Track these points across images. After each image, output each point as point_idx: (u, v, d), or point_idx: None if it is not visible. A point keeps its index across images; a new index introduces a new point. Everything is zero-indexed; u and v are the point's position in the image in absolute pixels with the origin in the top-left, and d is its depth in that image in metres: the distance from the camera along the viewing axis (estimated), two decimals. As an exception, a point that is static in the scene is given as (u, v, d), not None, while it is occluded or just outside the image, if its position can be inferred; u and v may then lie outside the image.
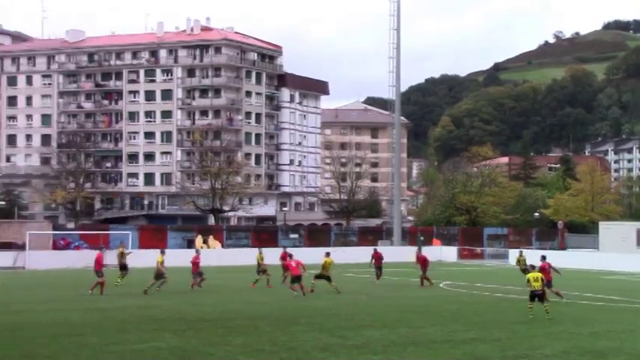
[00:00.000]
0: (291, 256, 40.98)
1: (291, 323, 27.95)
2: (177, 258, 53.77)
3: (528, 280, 30.31)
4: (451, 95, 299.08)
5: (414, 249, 78.88)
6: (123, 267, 47.20)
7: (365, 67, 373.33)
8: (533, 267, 32.12)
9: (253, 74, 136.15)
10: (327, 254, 41.12)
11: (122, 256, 48.13)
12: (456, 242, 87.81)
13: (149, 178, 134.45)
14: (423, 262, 45.22)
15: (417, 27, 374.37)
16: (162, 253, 41.41)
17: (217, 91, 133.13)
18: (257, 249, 47.55)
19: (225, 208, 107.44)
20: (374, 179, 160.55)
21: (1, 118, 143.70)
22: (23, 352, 21.70)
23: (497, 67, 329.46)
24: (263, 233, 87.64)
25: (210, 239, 79.65)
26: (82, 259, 66.31)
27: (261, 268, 43.82)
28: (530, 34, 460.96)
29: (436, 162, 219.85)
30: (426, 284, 44.22)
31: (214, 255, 67.69)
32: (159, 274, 40.07)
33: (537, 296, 30.00)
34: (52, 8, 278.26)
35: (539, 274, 30.83)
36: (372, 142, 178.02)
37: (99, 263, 39.82)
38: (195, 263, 42.48)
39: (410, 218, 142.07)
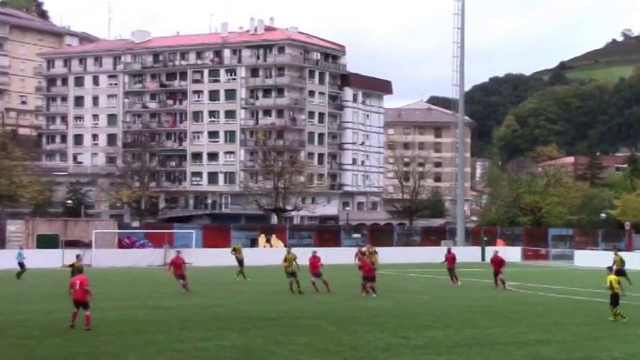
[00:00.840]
0: (363, 254, 41.14)
1: (354, 323, 27.93)
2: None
3: (610, 282, 28.93)
4: (516, 94, 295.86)
5: (477, 249, 78.58)
6: (240, 263, 47.98)
7: (428, 66, 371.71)
8: (610, 269, 31.34)
9: (316, 74, 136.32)
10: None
11: (238, 251, 48.86)
12: (520, 243, 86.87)
13: (213, 178, 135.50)
14: (498, 263, 43.49)
15: (482, 25, 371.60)
16: (289, 252, 41.04)
17: (280, 91, 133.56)
18: (366, 247, 46.31)
19: (288, 207, 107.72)
20: (437, 179, 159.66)
21: (69, 117, 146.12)
22: (90, 348, 21.99)
23: (563, 66, 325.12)
24: (326, 233, 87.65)
25: (273, 238, 79.89)
26: (147, 257, 67.19)
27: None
28: (598, 32, 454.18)
29: (500, 162, 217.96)
30: (500, 285, 43.05)
31: (278, 254, 67.80)
32: (292, 273, 39.69)
33: (616, 299, 29.07)
34: (118, 9, 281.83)
35: (618, 277, 30.03)
36: (436, 141, 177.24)
37: (178, 266, 39.84)
38: (313, 265, 40.20)
39: (473, 218, 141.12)
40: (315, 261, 39.90)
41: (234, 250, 49.84)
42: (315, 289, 39.21)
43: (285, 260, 40.03)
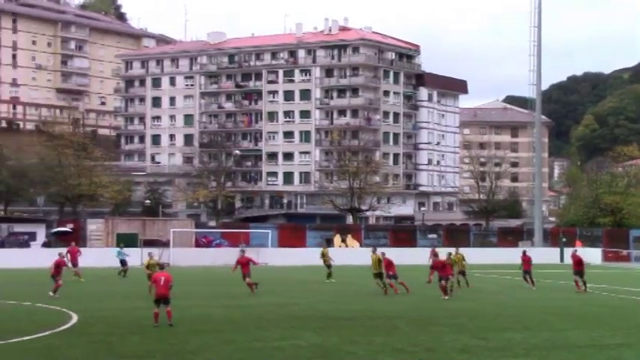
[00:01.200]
0: (436, 254, 40.69)
1: (431, 323, 27.75)
2: (316, 257, 53.73)
3: None
4: (595, 93, 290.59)
5: (556, 250, 77.46)
6: (328, 267, 48.13)
7: (505, 65, 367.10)
8: None
9: (391, 74, 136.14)
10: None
11: (325, 256, 48.99)
12: (600, 244, 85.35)
13: (288, 177, 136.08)
14: (578, 262, 42.54)
15: (559, 22, 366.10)
16: (374, 252, 40.80)
17: (355, 91, 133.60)
18: (455, 249, 45.09)
19: (364, 207, 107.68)
20: (514, 179, 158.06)
21: (147, 118, 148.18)
22: (169, 346, 22.23)
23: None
24: (401, 233, 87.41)
25: (349, 238, 79.99)
26: (223, 256, 67.71)
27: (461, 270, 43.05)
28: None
29: (579, 162, 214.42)
30: (581, 287, 42.12)
31: (353, 254, 67.90)
32: (379, 274, 39.50)
33: None
34: (194, 11, 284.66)
35: None
36: (512, 141, 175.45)
37: (244, 265, 39.93)
38: (387, 266, 39.18)
39: (551, 219, 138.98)
40: (387, 262, 39.63)
41: (323, 254, 49.83)
42: (395, 290, 38.95)
43: (379, 262, 39.57)
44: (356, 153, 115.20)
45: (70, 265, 45.40)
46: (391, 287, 39.13)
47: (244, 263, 39.65)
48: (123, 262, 51.17)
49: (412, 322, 27.95)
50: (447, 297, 36.88)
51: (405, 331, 25.64)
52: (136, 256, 58.91)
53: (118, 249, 54.60)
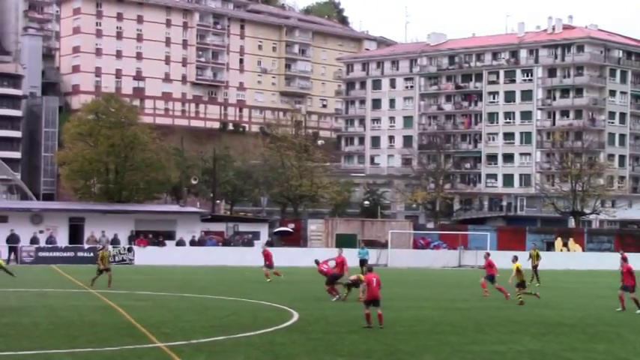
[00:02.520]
0: (625, 259, 38.60)
1: (658, 333, 26.58)
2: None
3: None
4: None
5: None
6: (534, 267, 47.58)
7: None
8: None
9: (618, 73, 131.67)
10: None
11: (533, 258, 48.52)
12: None
13: (508, 180, 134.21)
14: None
15: None
16: (534, 256, 39.89)
17: (579, 91, 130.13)
18: None
19: (586, 210, 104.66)
20: None
21: (366, 120, 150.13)
22: (386, 347, 22.43)
23: None
24: (627, 237, 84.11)
25: (570, 242, 77.99)
26: (441, 258, 67.63)
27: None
28: None
29: None
30: None
31: (575, 258, 66.23)
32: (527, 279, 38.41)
33: None
34: (414, 12, 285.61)
35: None
36: None
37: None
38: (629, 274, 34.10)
39: None
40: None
41: (531, 257, 48.88)
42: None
43: None
44: (579, 154, 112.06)
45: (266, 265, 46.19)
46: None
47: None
48: (363, 262, 50.56)
49: (636, 331, 26.87)
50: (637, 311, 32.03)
51: (629, 340, 24.68)
52: (354, 256, 59.63)
53: (359, 249, 54.80)
